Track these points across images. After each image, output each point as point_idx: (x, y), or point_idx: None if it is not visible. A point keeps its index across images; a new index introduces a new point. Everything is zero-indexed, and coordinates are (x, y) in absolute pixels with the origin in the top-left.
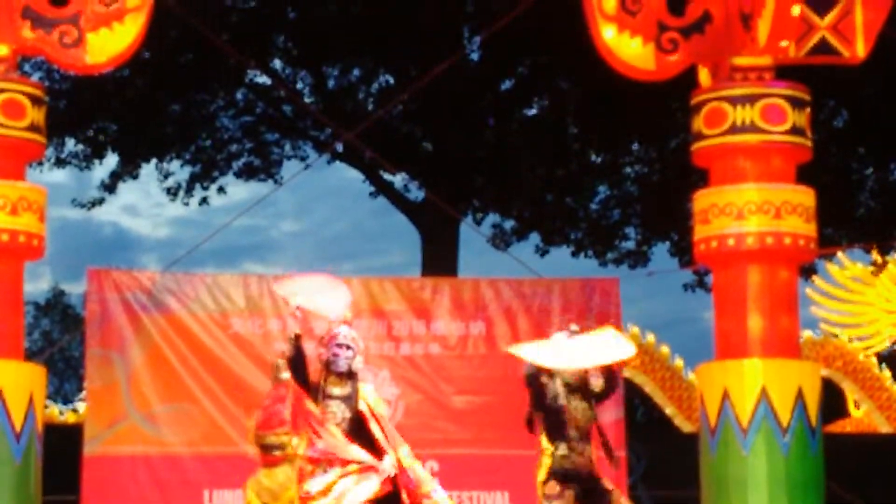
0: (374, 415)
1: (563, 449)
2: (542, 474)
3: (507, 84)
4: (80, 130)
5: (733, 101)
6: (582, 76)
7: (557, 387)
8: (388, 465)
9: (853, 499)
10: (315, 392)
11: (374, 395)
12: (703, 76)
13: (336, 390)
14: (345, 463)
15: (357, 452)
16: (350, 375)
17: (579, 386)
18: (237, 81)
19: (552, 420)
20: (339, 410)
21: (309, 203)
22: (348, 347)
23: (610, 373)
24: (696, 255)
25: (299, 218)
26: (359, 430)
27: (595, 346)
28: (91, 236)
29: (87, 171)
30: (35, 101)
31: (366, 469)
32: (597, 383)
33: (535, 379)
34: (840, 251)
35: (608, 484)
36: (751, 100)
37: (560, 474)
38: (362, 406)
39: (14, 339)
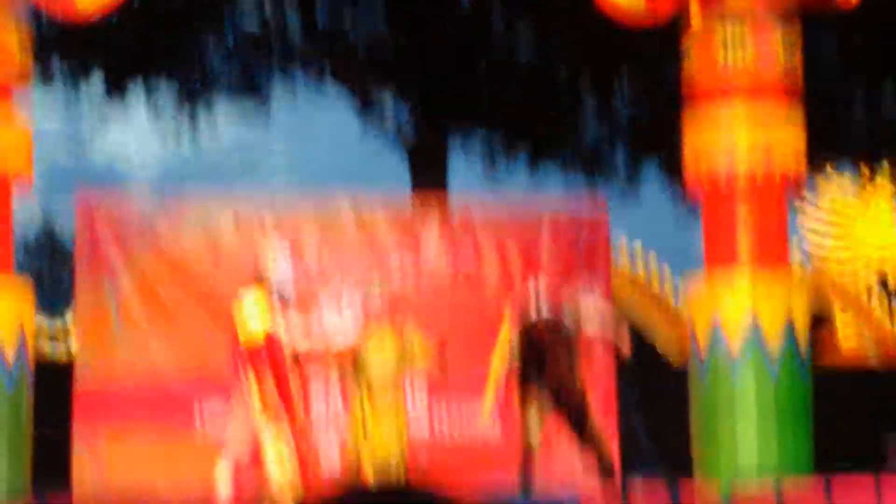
0: None
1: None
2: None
3: (497, 26)
4: (70, 80)
5: (725, 41)
6: (573, 21)
7: None
8: None
9: (839, 426)
10: None
11: None
12: (695, 18)
13: None
14: None
15: None
16: None
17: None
18: (227, 24)
19: None
20: None
21: (299, 128)
22: None
23: None
24: (687, 185)
25: (289, 143)
26: None
27: None
28: (82, 165)
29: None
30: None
31: None
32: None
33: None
34: (829, 182)
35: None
36: (742, 39)
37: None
38: None
39: (4, 258)
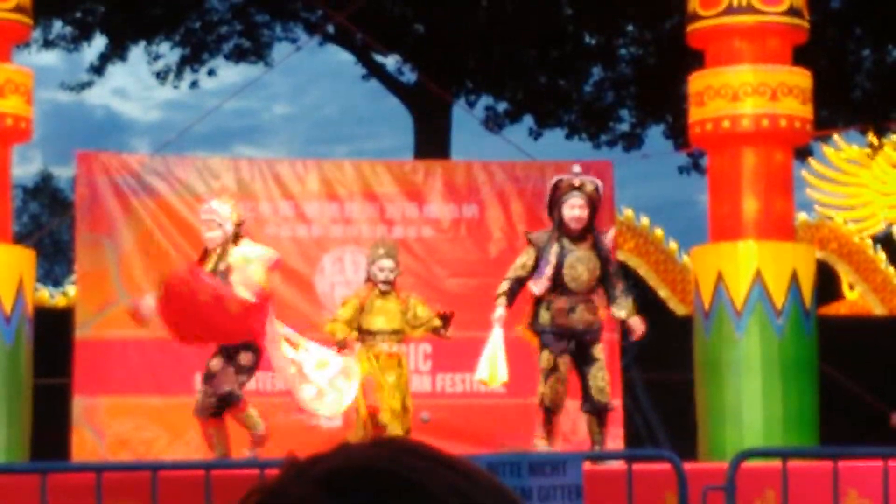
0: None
1: (561, 303)
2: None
3: None
4: (67, 12)
5: None
6: None
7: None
8: None
9: (846, 380)
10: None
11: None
12: None
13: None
14: None
15: None
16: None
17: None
18: None
19: (554, 275)
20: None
21: (301, 86)
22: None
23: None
24: (691, 137)
25: (291, 101)
26: None
27: None
28: (81, 119)
29: (75, 54)
30: None
31: None
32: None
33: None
34: (836, 133)
35: (599, 352)
36: None
37: (553, 332)
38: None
39: (2, 223)
